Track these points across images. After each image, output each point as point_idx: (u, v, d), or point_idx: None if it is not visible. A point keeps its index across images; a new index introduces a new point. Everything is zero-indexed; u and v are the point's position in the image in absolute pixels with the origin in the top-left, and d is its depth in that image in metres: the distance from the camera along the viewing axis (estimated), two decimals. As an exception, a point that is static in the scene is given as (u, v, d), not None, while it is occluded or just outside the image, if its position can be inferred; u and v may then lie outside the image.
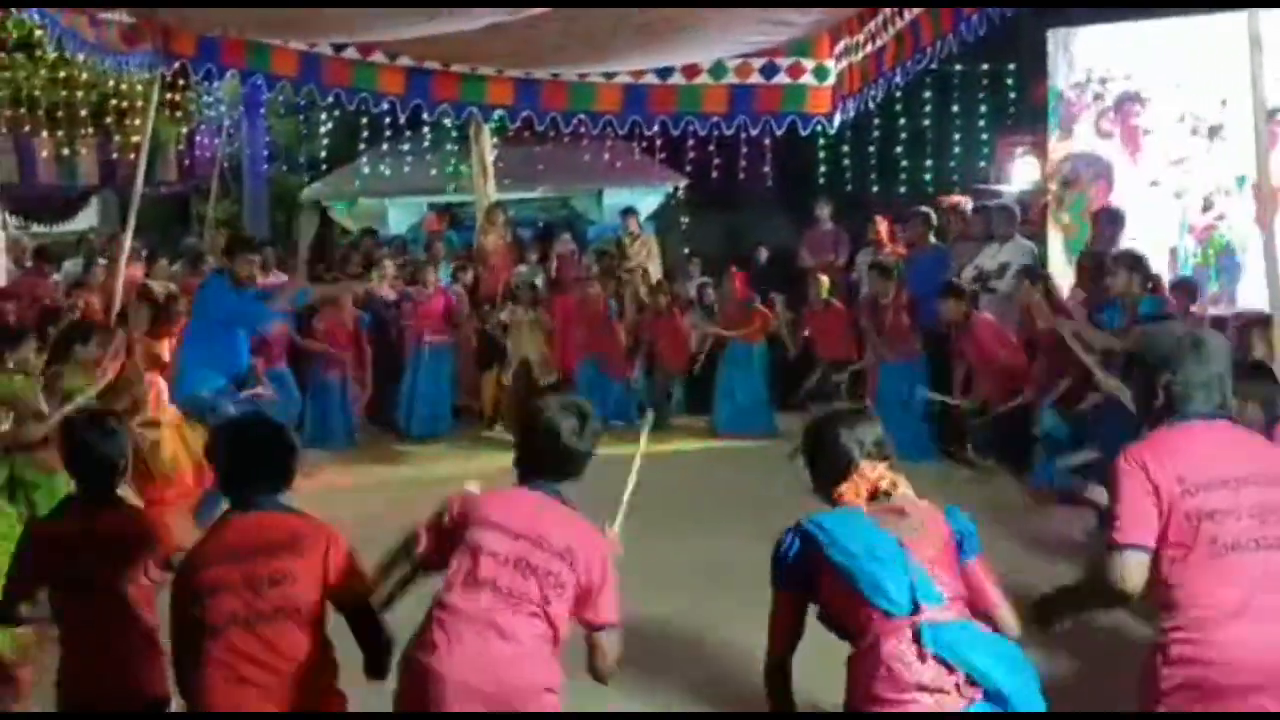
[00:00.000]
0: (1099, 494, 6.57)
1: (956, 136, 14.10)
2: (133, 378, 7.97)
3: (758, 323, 11.33)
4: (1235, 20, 6.19)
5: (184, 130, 16.76)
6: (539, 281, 12.16)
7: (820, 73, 10.41)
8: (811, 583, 3.21)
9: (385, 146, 15.89)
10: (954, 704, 3.01)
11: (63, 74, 15.32)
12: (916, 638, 3.02)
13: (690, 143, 14.13)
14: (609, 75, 10.77)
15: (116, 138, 15.89)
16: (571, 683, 3.39)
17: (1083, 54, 10.54)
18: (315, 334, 10.82)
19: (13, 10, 10.05)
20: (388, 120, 12.82)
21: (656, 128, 11.42)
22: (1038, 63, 11.13)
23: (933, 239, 11.24)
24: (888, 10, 8.42)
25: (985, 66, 13.73)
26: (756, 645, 3.37)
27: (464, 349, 11.82)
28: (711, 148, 14.69)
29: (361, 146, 15.82)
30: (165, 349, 8.56)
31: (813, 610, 3.29)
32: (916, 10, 7.90)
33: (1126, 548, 3.16)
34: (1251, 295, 8.86)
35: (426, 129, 15.03)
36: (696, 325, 11.68)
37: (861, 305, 10.77)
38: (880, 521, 3.17)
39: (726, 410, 11.17)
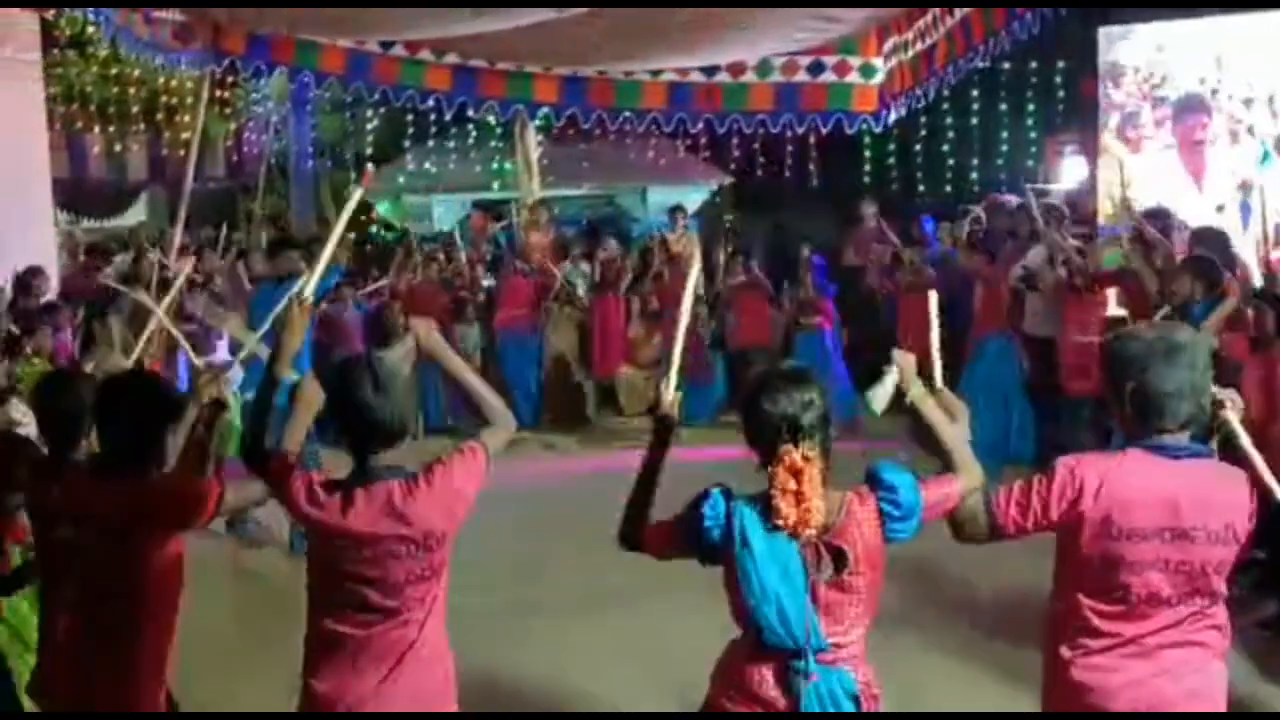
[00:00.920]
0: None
1: (1004, 135, 13.98)
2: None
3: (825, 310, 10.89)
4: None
5: (232, 127, 16.92)
6: (581, 281, 12.20)
7: (867, 71, 10.38)
8: (710, 553, 3.03)
9: (431, 143, 15.96)
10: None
11: (114, 71, 15.51)
12: (785, 671, 2.94)
13: (734, 141, 14.09)
14: (655, 73, 10.79)
15: (166, 134, 16.08)
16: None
17: (1137, 54, 10.39)
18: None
19: (67, 10, 10.18)
20: (433, 117, 12.88)
21: (701, 125, 11.43)
22: (1087, 61, 11.02)
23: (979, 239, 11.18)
24: (937, 9, 8.38)
25: (1033, 65, 13.61)
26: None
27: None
28: (756, 146, 14.64)
29: (407, 143, 15.90)
30: None
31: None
32: (967, 8, 7.85)
33: (990, 514, 3.03)
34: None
35: (471, 126, 15.07)
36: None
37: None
38: (806, 558, 2.94)
39: None
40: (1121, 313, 8.59)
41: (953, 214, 11.65)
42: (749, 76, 10.73)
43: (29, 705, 4.00)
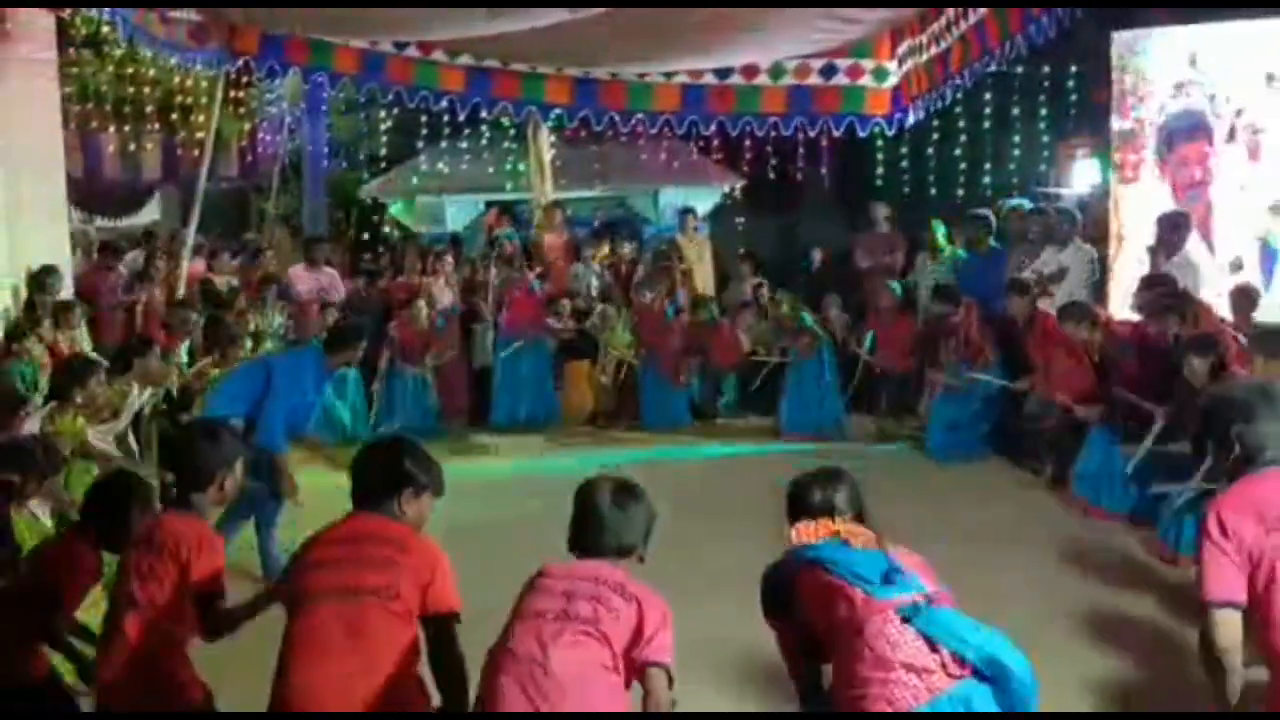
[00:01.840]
0: None
1: (1016, 139, 13.96)
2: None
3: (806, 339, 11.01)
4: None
5: (246, 127, 16.96)
6: (596, 280, 12.23)
7: (880, 74, 10.39)
8: (790, 599, 3.39)
9: (444, 144, 15.98)
10: (941, 683, 2.99)
11: (129, 70, 15.56)
12: (904, 619, 3.07)
13: (747, 143, 14.10)
14: (668, 75, 10.81)
15: (180, 134, 16.11)
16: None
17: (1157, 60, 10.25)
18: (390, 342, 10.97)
19: (83, 10, 10.24)
20: (447, 118, 12.91)
21: (714, 128, 11.44)
22: (1100, 65, 11.00)
23: (991, 242, 11.17)
24: (951, 12, 8.38)
25: (1046, 69, 13.59)
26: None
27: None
28: (768, 148, 14.65)
29: (420, 144, 15.92)
30: None
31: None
32: (981, 11, 7.85)
33: (1216, 605, 3.21)
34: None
35: (485, 127, 15.10)
36: (750, 328, 11.53)
37: (926, 325, 10.61)
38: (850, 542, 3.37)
39: (792, 409, 10.85)
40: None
41: (964, 218, 11.65)
42: (762, 79, 10.75)
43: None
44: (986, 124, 13.79)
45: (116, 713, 3.82)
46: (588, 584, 3.31)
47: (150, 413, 8.02)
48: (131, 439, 7.40)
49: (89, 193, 16.66)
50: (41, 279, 9.54)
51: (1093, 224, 10.70)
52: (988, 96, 13.18)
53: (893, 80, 10.29)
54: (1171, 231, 9.29)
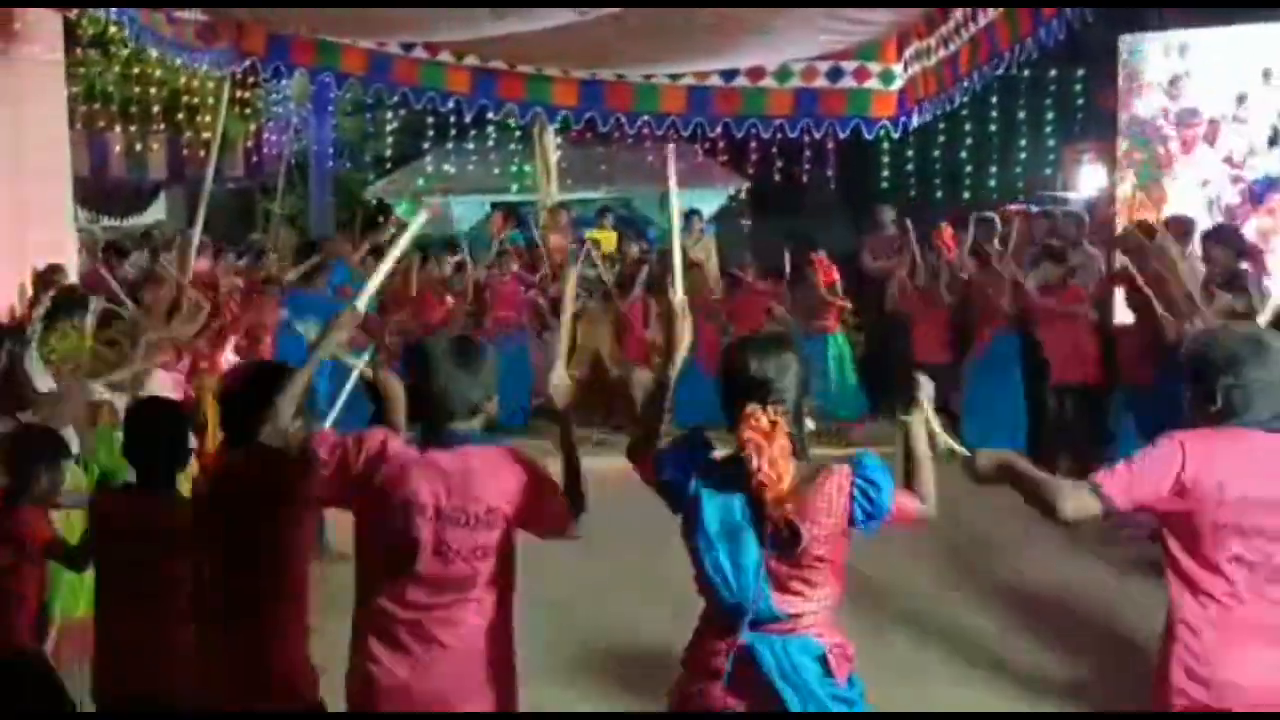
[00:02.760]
0: None
1: (1022, 142, 13.97)
2: None
3: (833, 313, 10.99)
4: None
5: (252, 127, 16.98)
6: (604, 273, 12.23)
7: (886, 77, 10.33)
8: (672, 495, 3.10)
9: (450, 145, 16.02)
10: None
11: (135, 70, 15.58)
12: (740, 651, 2.95)
13: (753, 145, 14.11)
14: (674, 77, 10.77)
15: (186, 134, 16.13)
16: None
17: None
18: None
19: (90, 10, 10.26)
20: (452, 119, 12.91)
21: (720, 130, 11.42)
22: (1106, 69, 10.99)
23: (996, 245, 11.17)
24: (959, 15, 8.35)
25: (1053, 73, 13.59)
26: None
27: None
28: (774, 151, 14.66)
29: (426, 145, 15.95)
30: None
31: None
32: (991, 14, 7.82)
33: (1101, 496, 3.03)
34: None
35: (491, 128, 15.13)
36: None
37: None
38: (762, 527, 2.96)
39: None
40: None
41: (968, 220, 11.64)
42: (768, 81, 10.69)
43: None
44: (993, 127, 13.81)
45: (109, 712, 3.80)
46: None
47: None
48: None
49: (95, 192, 16.69)
50: (47, 277, 9.54)
51: (1099, 226, 10.70)
52: (994, 99, 13.19)
53: (899, 83, 10.24)
54: (1181, 237, 9.31)
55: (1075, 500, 3.05)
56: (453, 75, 10.56)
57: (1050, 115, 13.64)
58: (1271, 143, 9.64)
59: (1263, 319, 5.49)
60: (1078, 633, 5.95)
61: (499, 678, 3.23)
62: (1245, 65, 9.71)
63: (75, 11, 10.25)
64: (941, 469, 3.20)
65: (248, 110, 16.40)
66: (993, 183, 14.09)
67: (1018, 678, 5.45)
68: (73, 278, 10.14)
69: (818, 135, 11.06)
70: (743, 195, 16.34)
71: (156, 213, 18.04)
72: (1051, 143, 13.61)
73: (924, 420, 3.21)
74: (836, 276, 11.12)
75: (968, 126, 13.80)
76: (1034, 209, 11.46)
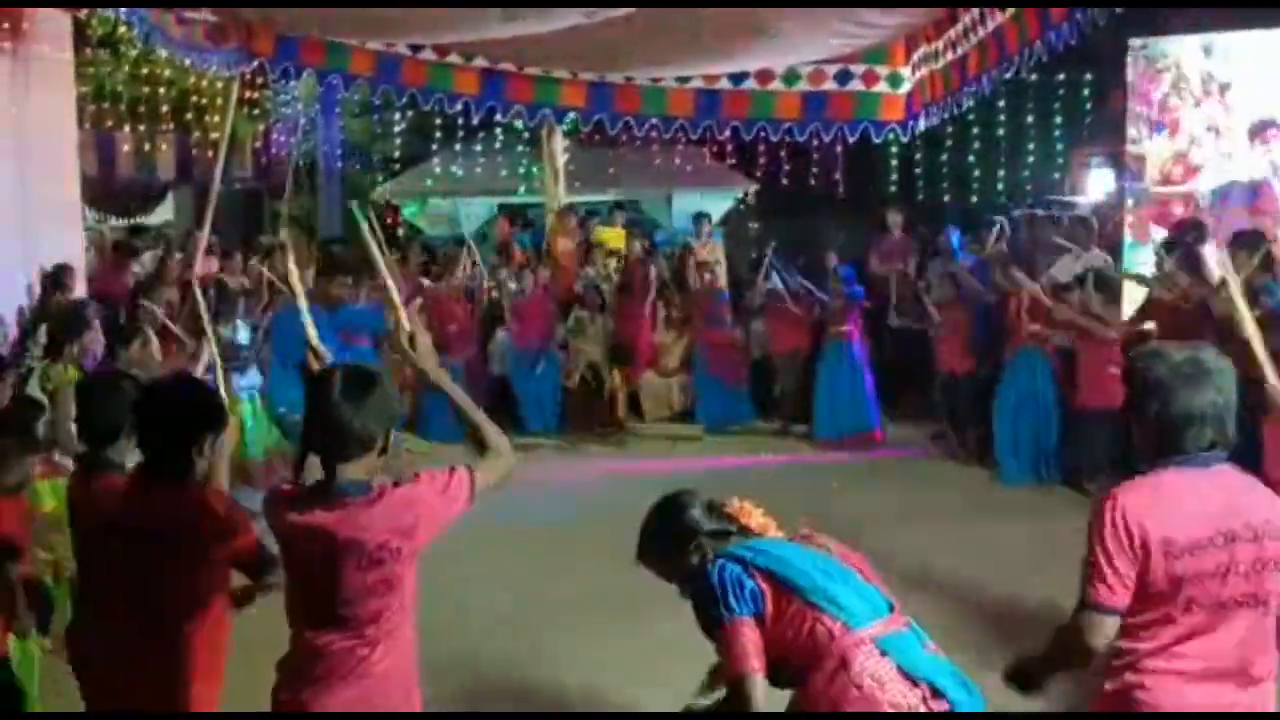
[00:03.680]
0: None
1: (1031, 146, 13.95)
2: None
3: (853, 320, 10.87)
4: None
5: (261, 128, 16.99)
6: (605, 285, 12.23)
7: (894, 80, 10.36)
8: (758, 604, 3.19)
9: (458, 147, 16.01)
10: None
11: (144, 71, 15.59)
12: (882, 652, 3.03)
13: (761, 148, 14.10)
14: (682, 80, 10.79)
15: (195, 134, 16.14)
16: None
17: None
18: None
19: (100, 10, 10.26)
20: (460, 121, 12.91)
21: (728, 133, 11.43)
22: (1115, 72, 10.97)
23: (1003, 248, 11.17)
24: (967, 18, 8.35)
25: (1061, 76, 13.57)
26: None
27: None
28: (782, 153, 14.64)
29: (434, 146, 15.95)
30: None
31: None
32: (1000, 18, 7.82)
33: (1101, 610, 2.92)
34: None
35: (499, 130, 15.12)
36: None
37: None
38: (804, 543, 3.29)
39: (822, 414, 10.74)
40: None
41: (978, 224, 11.64)
42: (776, 85, 10.72)
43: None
44: (1001, 130, 13.79)
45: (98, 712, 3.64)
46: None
47: None
48: None
49: (104, 192, 16.70)
50: (57, 277, 9.55)
51: (1109, 230, 10.68)
52: (1002, 103, 13.17)
53: (907, 86, 10.27)
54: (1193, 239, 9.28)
55: (1089, 633, 2.94)
56: (461, 76, 10.58)
57: (1059, 119, 13.61)
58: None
59: None
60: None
61: (412, 700, 3.25)
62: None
63: (84, 11, 10.26)
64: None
65: (256, 111, 16.41)
66: (1000, 186, 14.07)
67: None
68: (82, 278, 10.15)
69: (826, 139, 11.09)
70: (751, 198, 16.32)
71: (165, 213, 18.04)
72: (1060, 147, 13.59)
73: None
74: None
75: (976, 130, 13.77)
76: (1041, 213, 11.44)
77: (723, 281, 12.58)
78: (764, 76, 10.65)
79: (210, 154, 13.52)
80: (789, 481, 9.32)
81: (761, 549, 3.23)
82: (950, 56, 9.01)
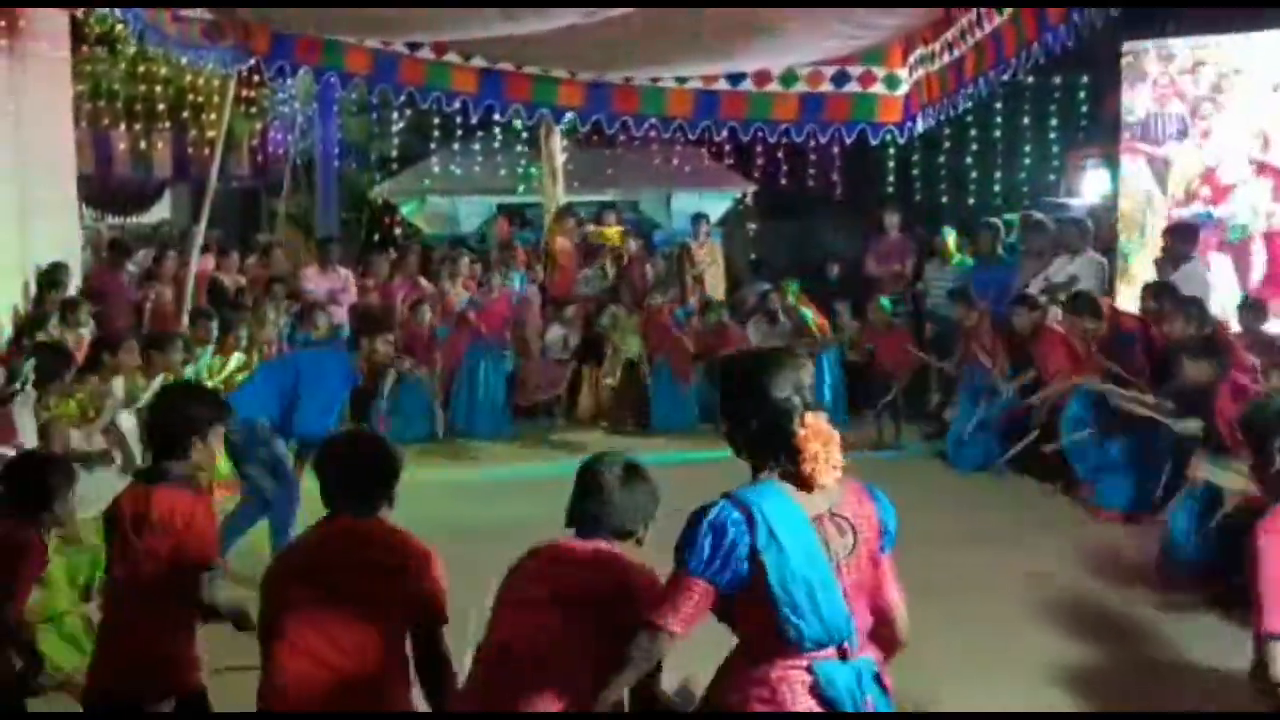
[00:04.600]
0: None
1: (1027, 148, 13.96)
2: None
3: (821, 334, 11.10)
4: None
5: (258, 126, 16.99)
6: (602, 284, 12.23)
7: (891, 82, 10.36)
8: (735, 578, 2.84)
9: (456, 146, 16.01)
10: None
11: (141, 69, 15.60)
12: (811, 672, 2.85)
13: (759, 149, 14.10)
14: (681, 80, 10.79)
15: (192, 132, 16.15)
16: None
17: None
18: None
19: (97, 9, 10.27)
20: (459, 120, 12.91)
21: (726, 133, 11.43)
22: (1111, 75, 10.99)
23: (1001, 251, 11.19)
24: (964, 20, 8.35)
25: (1057, 79, 13.59)
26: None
27: (524, 349, 11.85)
28: (780, 154, 14.65)
29: (432, 146, 15.94)
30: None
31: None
32: (996, 20, 7.82)
33: (1275, 637, 3.10)
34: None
35: (497, 129, 15.12)
36: (765, 334, 11.52)
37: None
38: (821, 533, 2.87)
39: None
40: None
41: (974, 226, 11.65)
42: (774, 86, 10.73)
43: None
44: (997, 132, 13.80)
45: (117, 701, 3.77)
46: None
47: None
48: (136, 445, 7.36)
49: (100, 190, 16.71)
50: (52, 275, 9.56)
51: (1104, 232, 10.70)
52: (998, 105, 13.17)
53: (904, 88, 10.27)
54: (1181, 242, 9.33)
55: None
56: (459, 75, 10.57)
57: (1054, 121, 13.62)
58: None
59: None
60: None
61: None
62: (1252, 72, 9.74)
63: (82, 10, 10.26)
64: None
65: (253, 109, 16.42)
66: (997, 188, 14.08)
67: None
68: (77, 276, 10.15)
69: (823, 140, 11.10)
70: (749, 199, 16.33)
71: (161, 211, 18.08)
72: (1056, 149, 13.60)
73: None
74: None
75: (973, 132, 13.77)
76: (1036, 215, 11.43)
77: (719, 282, 12.60)
78: (761, 77, 10.65)
79: (207, 152, 13.50)
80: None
81: (776, 521, 2.82)
82: (947, 59, 9.01)
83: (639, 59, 10.12)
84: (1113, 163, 11.18)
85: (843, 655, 2.88)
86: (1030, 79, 12.32)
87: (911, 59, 9.92)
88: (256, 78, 12.79)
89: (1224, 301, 9.16)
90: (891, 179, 14.89)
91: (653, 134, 11.83)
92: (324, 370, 6.92)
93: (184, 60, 10.58)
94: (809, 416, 2.90)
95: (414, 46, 10.18)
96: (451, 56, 10.36)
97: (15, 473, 4.39)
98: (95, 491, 5.38)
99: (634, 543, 3.40)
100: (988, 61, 8.10)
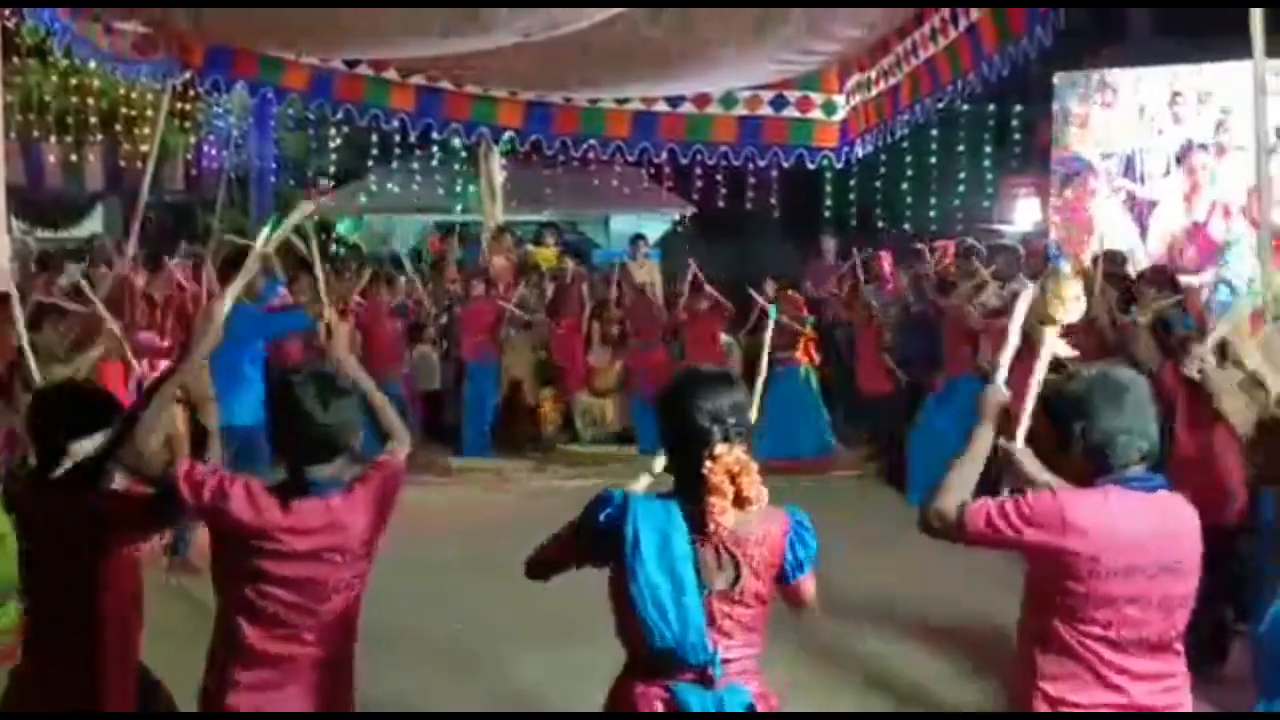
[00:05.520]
0: None
1: (961, 175, 14.17)
2: None
3: (802, 344, 10.82)
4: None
5: (192, 140, 16.80)
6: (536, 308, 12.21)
7: (828, 108, 10.49)
8: (602, 552, 2.91)
9: (394, 164, 15.93)
10: None
11: (74, 80, 15.37)
12: (670, 691, 2.87)
13: (698, 171, 14.18)
14: (620, 101, 10.84)
15: (125, 145, 15.92)
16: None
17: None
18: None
19: (24, 15, 10.09)
20: (397, 138, 12.85)
21: (665, 155, 11.48)
22: (1044, 105, 11.18)
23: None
24: (900, 48, 8.47)
25: (991, 107, 13.81)
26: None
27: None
28: (719, 177, 14.74)
29: (370, 163, 15.86)
30: None
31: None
32: (932, 48, 7.94)
33: (964, 514, 2.95)
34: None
35: (435, 148, 15.08)
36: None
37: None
38: (702, 559, 2.86)
39: (773, 433, 10.67)
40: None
41: (909, 251, 11.77)
42: (713, 108, 10.81)
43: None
44: (933, 159, 13.99)
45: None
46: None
47: None
48: None
49: (30, 203, 16.40)
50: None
51: (1034, 260, 10.84)
52: (933, 132, 13.36)
53: (841, 114, 10.40)
54: (1110, 266, 9.44)
55: (936, 517, 3.05)
56: (397, 93, 10.54)
57: (988, 149, 13.85)
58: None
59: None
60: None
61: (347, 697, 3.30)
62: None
63: (13, 20, 10.09)
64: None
65: (188, 123, 16.22)
66: (933, 213, 14.27)
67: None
68: (11, 289, 9.93)
69: (761, 163, 11.19)
70: (688, 221, 16.41)
71: (92, 225, 17.75)
72: (990, 176, 13.81)
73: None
74: (805, 310, 11.04)
75: (908, 158, 13.96)
76: (970, 242, 11.57)
77: (658, 302, 12.60)
78: (701, 100, 10.73)
79: (140, 165, 13.31)
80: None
81: (645, 530, 2.84)
82: (882, 86, 9.13)
83: (579, 80, 10.15)
84: (1043, 191, 11.37)
85: (706, 682, 2.87)
86: (965, 107, 12.52)
87: (848, 85, 10.05)
88: (192, 91, 12.65)
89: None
90: (829, 203, 15.04)
91: (591, 154, 11.85)
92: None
93: (116, 73, 10.43)
94: (720, 448, 2.86)
95: (352, 64, 10.13)
96: (390, 74, 10.33)
97: None
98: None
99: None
100: (924, 89, 8.22)
